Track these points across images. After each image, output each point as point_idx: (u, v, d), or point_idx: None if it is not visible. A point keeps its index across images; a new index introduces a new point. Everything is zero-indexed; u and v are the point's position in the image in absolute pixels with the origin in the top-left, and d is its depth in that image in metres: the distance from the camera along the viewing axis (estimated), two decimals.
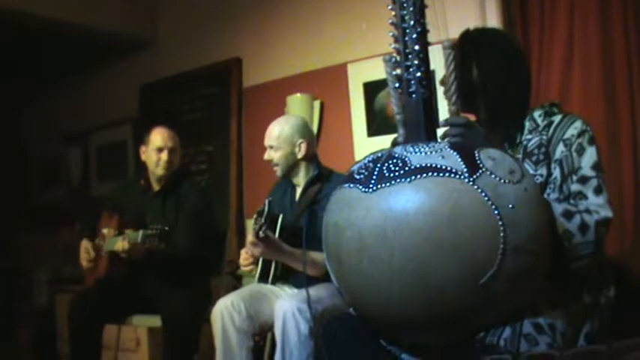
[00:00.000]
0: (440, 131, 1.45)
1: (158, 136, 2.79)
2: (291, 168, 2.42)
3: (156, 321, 2.70)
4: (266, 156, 2.42)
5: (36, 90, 5.30)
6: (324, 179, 2.36)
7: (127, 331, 2.89)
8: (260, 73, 3.78)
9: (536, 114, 1.63)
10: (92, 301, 2.60)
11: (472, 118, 1.66)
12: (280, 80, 3.64)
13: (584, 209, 1.46)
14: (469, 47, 1.63)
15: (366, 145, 3.20)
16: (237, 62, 3.89)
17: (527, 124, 1.63)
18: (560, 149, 1.54)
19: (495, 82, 1.60)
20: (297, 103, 3.36)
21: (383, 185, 1.22)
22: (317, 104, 3.43)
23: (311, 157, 2.43)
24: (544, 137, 1.57)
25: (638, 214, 2.43)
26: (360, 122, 3.29)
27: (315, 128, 3.34)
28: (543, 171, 1.55)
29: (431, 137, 1.35)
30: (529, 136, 1.60)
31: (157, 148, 2.77)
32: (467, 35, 1.69)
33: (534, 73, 2.66)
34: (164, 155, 2.76)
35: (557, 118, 1.59)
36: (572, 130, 1.55)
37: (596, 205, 1.47)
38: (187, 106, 4.17)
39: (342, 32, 3.36)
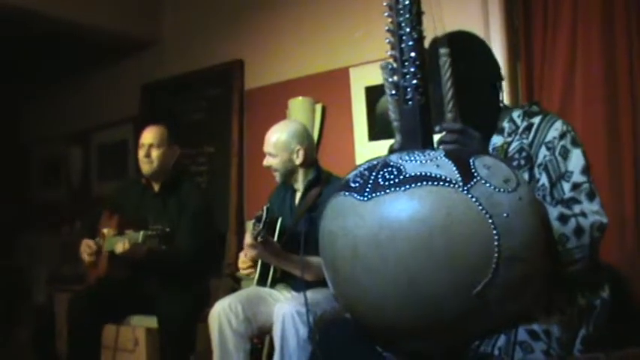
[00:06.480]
0: (437, 137, 1.44)
1: (142, 134, 2.81)
2: (290, 174, 2.42)
3: (154, 322, 2.70)
4: (265, 162, 2.42)
5: (38, 89, 5.31)
6: (323, 183, 2.36)
7: (125, 331, 2.89)
8: (262, 76, 3.78)
9: (515, 114, 1.62)
10: (91, 301, 2.60)
11: None
12: (282, 83, 3.64)
13: (580, 212, 1.46)
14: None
15: (367, 150, 3.21)
16: (240, 64, 3.90)
17: (507, 126, 1.62)
18: (543, 153, 1.53)
19: (469, 84, 1.54)
20: (298, 106, 3.36)
21: (378, 194, 1.21)
22: (319, 108, 3.43)
23: (310, 163, 2.42)
24: (524, 141, 1.56)
25: (638, 216, 2.43)
26: (362, 126, 3.30)
27: (316, 132, 3.35)
28: (525, 176, 1.53)
29: (427, 144, 1.34)
30: (509, 139, 1.59)
31: (139, 145, 2.79)
32: (437, 41, 1.68)
33: (537, 75, 2.67)
34: (142, 151, 2.76)
35: (536, 120, 1.58)
36: (553, 132, 1.54)
37: (591, 212, 1.47)
38: (189, 106, 4.18)
39: (344, 36, 3.37)
